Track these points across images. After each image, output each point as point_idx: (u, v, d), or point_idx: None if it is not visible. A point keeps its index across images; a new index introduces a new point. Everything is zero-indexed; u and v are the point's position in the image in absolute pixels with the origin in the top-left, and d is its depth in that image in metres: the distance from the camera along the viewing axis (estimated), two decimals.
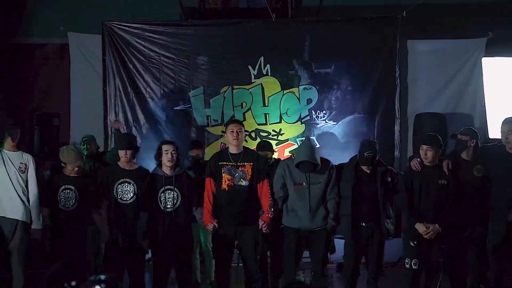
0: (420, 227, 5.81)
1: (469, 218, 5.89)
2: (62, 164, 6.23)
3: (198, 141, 7.62)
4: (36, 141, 8.30)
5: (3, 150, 6.20)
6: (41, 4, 9.67)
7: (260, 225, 5.97)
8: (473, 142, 5.98)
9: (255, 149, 6.69)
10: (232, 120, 6.43)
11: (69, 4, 9.40)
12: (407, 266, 5.91)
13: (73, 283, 1.95)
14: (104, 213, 6.19)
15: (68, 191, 6.14)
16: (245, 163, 5.99)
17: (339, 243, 6.45)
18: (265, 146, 7.00)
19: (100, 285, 1.98)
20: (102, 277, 2.01)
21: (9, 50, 9.60)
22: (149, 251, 6.22)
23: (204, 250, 7.09)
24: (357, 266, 6.07)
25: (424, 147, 5.92)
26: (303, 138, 8.10)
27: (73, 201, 6.14)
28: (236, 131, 5.95)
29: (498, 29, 8.42)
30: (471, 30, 8.65)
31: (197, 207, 6.17)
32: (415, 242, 5.88)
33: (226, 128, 6.17)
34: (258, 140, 8.33)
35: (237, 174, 5.96)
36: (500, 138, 5.96)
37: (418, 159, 5.99)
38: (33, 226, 6.18)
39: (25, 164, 6.22)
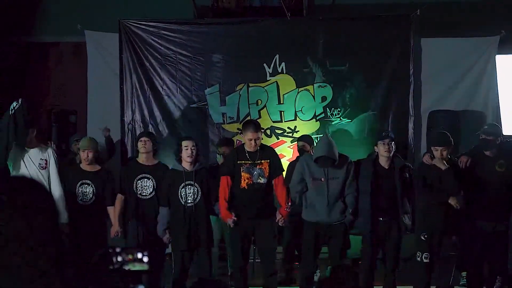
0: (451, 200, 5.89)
1: (492, 212, 5.94)
2: (77, 152, 6.32)
3: (228, 138, 7.79)
4: (53, 138, 8.39)
5: (25, 148, 6.18)
6: (55, 3, 9.76)
7: (277, 219, 6.08)
8: (498, 140, 6.03)
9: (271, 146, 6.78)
10: (248, 125, 6.17)
11: (82, 3, 9.49)
12: (418, 259, 6.01)
13: (118, 249, 2.01)
14: (117, 208, 6.31)
15: (86, 185, 6.25)
16: (263, 161, 6.07)
17: (353, 239, 6.53)
18: (305, 139, 7.35)
19: (142, 252, 2.03)
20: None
21: (24, 48, 9.71)
22: (169, 245, 6.30)
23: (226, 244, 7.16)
24: (374, 260, 6.15)
25: (439, 148, 6.00)
26: (318, 136, 8.18)
27: (91, 196, 6.27)
28: (254, 140, 6.02)
29: (511, 27, 8.46)
30: (484, 29, 8.67)
31: (216, 202, 6.24)
32: (426, 236, 5.97)
33: (243, 131, 6.20)
34: (273, 137, 8.42)
35: (255, 172, 6.04)
36: None
37: (429, 154, 6.09)
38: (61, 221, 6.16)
39: (45, 160, 6.19)
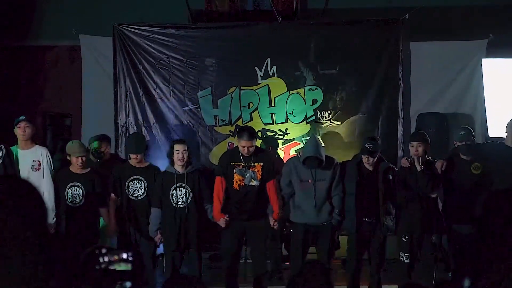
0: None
1: (468, 214, 6.07)
2: (68, 158, 6.35)
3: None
4: (48, 141, 8.51)
5: (17, 149, 6.26)
6: (50, 7, 9.84)
7: (272, 223, 6.21)
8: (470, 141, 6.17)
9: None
10: (243, 133, 6.27)
11: (78, 7, 9.58)
12: (402, 259, 6.14)
13: (104, 250, 2.12)
14: (111, 209, 6.40)
15: (75, 188, 6.30)
16: (256, 164, 6.20)
17: (343, 240, 6.65)
18: (268, 141, 7.48)
19: (127, 253, 2.13)
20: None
21: (19, 52, 9.79)
22: (161, 245, 6.43)
23: None
24: (360, 260, 6.28)
25: (414, 144, 6.14)
26: (309, 138, 8.29)
27: (80, 198, 6.30)
28: (248, 148, 6.16)
29: (498, 31, 8.56)
30: (472, 32, 8.78)
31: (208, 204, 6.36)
32: (406, 237, 6.10)
33: (238, 138, 6.33)
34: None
35: (248, 174, 6.17)
36: (500, 137, 6.16)
37: (406, 158, 6.24)
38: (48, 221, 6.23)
39: (38, 161, 6.24)
